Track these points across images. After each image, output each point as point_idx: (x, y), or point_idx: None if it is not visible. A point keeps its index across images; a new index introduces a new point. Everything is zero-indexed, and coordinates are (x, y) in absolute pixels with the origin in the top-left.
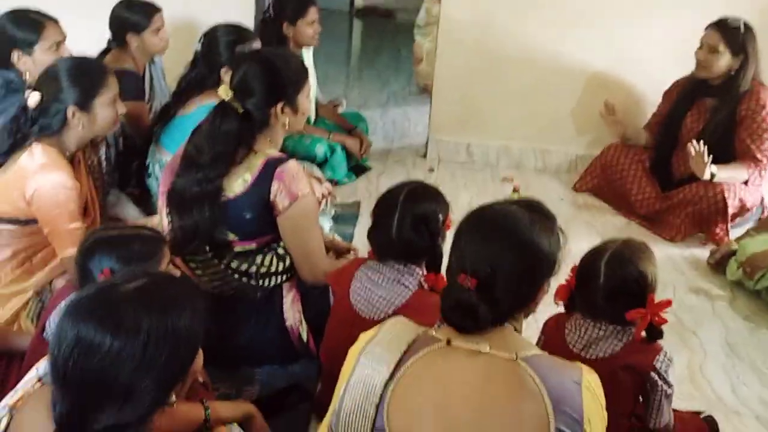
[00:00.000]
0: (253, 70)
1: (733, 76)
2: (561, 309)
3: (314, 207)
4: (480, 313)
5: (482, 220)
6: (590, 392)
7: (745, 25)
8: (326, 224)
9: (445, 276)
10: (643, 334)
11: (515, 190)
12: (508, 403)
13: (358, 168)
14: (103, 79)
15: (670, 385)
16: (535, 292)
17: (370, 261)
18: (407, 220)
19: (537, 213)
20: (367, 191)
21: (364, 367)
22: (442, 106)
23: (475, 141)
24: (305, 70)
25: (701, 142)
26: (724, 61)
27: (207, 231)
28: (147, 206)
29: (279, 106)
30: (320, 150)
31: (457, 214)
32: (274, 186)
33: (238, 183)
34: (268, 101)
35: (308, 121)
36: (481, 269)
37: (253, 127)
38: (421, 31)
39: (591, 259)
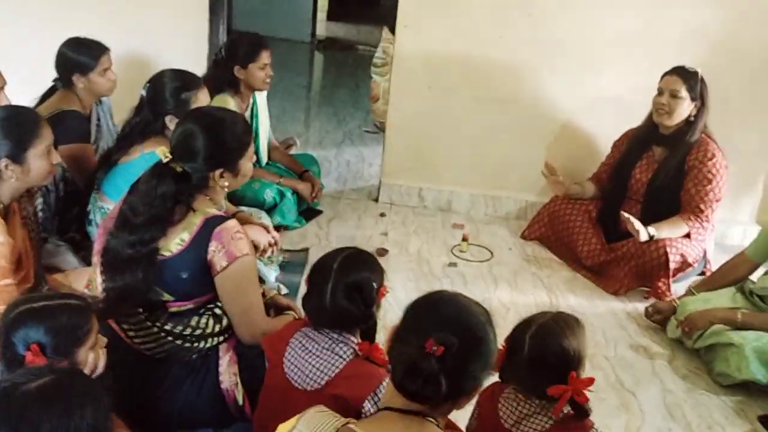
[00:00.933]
0: (195, 134)
1: (690, 122)
2: None
3: (253, 267)
4: (442, 383)
5: (442, 300)
6: None
7: (701, 74)
8: (272, 274)
9: (389, 341)
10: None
11: (464, 239)
12: None
13: (308, 212)
14: (36, 129)
15: None
16: (477, 384)
17: (305, 327)
18: (341, 288)
19: (483, 308)
20: (317, 237)
21: None
22: (394, 150)
23: (426, 186)
24: (249, 133)
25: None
26: (685, 106)
27: (140, 293)
28: (88, 253)
29: (219, 171)
30: (269, 195)
31: (405, 262)
32: (212, 246)
33: (175, 242)
34: (208, 166)
35: (259, 163)
36: (448, 339)
37: (192, 187)
38: (378, 71)
39: (519, 330)
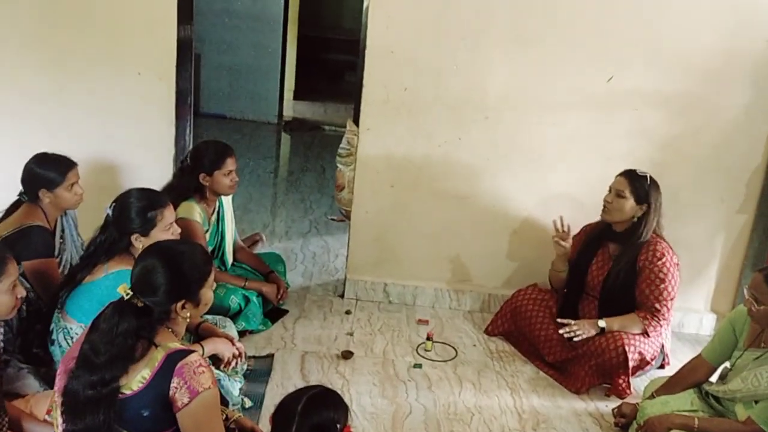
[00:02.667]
0: (155, 269)
1: (636, 223)
2: None
3: (216, 401)
4: None
5: None
6: None
7: (651, 178)
8: (236, 386)
9: None
10: None
11: (429, 338)
12: None
13: (274, 312)
14: (1, 267)
15: None
16: None
17: None
18: (305, 431)
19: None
20: (282, 340)
21: None
22: (359, 245)
23: (391, 281)
24: (208, 262)
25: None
26: (629, 206)
27: None
28: (50, 372)
29: (180, 303)
30: (234, 301)
31: (370, 364)
32: (174, 382)
33: (136, 380)
34: (169, 300)
35: (225, 266)
36: None
37: (153, 321)
38: (343, 160)
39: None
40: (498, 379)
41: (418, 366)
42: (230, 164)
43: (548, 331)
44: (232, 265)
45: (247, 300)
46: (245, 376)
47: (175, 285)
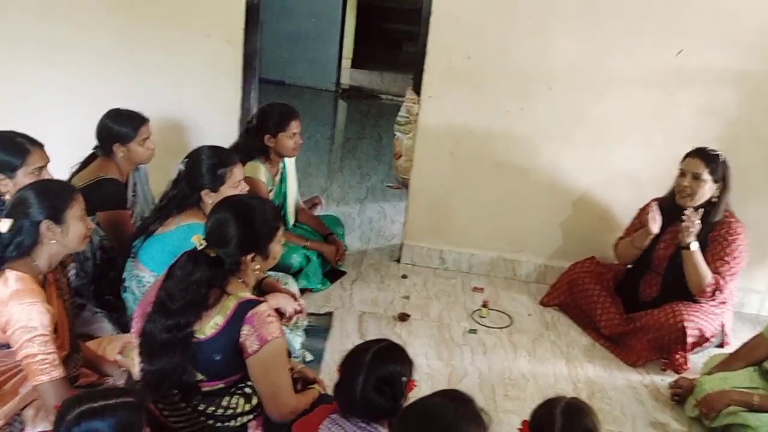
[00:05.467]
0: (227, 222)
1: (713, 203)
2: None
3: (283, 350)
4: None
5: (413, 416)
6: None
7: (723, 155)
8: (298, 340)
9: None
10: None
11: (485, 305)
12: None
13: (333, 273)
14: (71, 193)
15: None
16: None
17: (334, 415)
18: (371, 382)
19: (458, 401)
20: (340, 300)
21: None
22: (416, 213)
23: (447, 248)
24: (277, 218)
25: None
26: (707, 188)
27: (176, 376)
28: (122, 318)
29: (250, 256)
30: (296, 260)
31: (426, 327)
32: (245, 329)
33: (209, 326)
34: (240, 251)
35: (287, 226)
36: None
37: (225, 272)
38: (402, 128)
39: (544, 408)
40: (553, 348)
41: (473, 331)
42: (294, 127)
43: (605, 304)
44: (294, 225)
45: (308, 259)
46: (306, 331)
47: (245, 237)
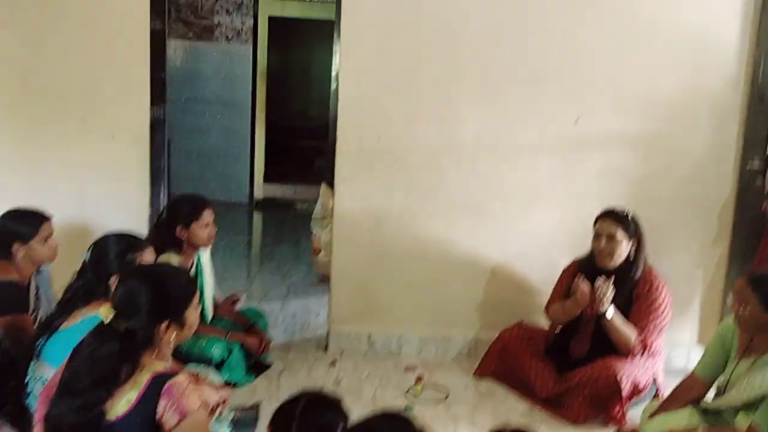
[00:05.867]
0: (138, 289)
1: (630, 261)
2: None
3: (205, 422)
4: None
5: None
6: None
7: (632, 213)
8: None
9: None
10: None
11: (419, 380)
12: None
13: (257, 366)
14: None
15: None
16: None
17: None
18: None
19: (398, 420)
20: (267, 392)
21: None
22: (341, 297)
23: (375, 330)
24: (193, 284)
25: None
26: (623, 247)
27: None
28: (25, 427)
29: (164, 325)
30: (217, 352)
31: (361, 409)
32: (162, 403)
33: (122, 404)
34: (153, 321)
35: (205, 320)
36: None
37: (137, 345)
38: (318, 224)
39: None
40: (493, 416)
41: (409, 408)
42: (207, 216)
43: (538, 367)
44: (212, 319)
45: (229, 351)
46: (233, 423)
47: (158, 305)
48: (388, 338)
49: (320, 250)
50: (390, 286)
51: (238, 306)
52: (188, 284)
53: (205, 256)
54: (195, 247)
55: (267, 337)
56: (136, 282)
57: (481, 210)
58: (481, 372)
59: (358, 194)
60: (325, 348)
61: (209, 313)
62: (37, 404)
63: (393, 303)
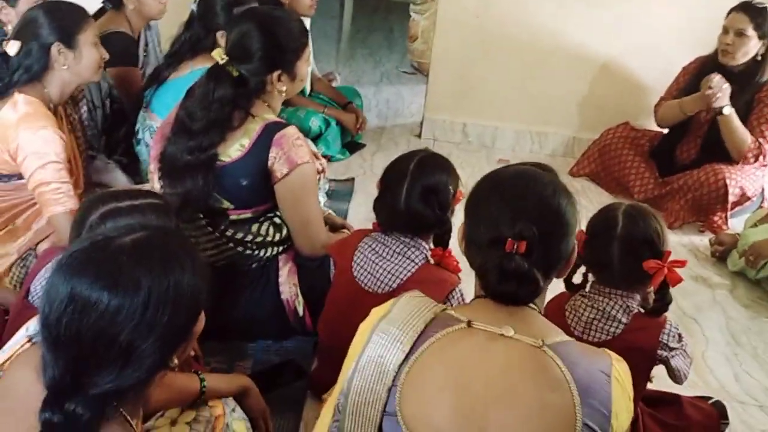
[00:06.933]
0: (250, 34)
1: (759, 61)
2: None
3: (313, 175)
4: (537, 280)
5: (506, 180)
6: (620, 384)
7: None
8: (321, 200)
9: (466, 248)
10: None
11: None
12: (531, 392)
13: (351, 144)
14: (84, 16)
15: (683, 350)
16: (570, 252)
17: (374, 233)
18: (416, 191)
19: (548, 171)
20: (361, 168)
21: (377, 347)
22: (438, 85)
23: (470, 121)
24: (305, 34)
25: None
26: (752, 45)
27: (200, 199)
28: (135, 175)
29: (276, 74)
30: (315, 123)
31: None
32: (273, 152)
33: (234, 148)
34: (265, 68)
35: (303, 93)
36: (527, 231)
37: (249, 92)
38: (417, 9)
39: (606, 211)
40: (584, 212)
41: None
42: None
43: (639, 169)
44: (310, 94)
45: (327, 124)
46: (327, 195)
47: (270, 51)
48: (483, 129)
49: (417, 37)
50: (491, 75)
51: (335, 84)
52: (301, 34)
53: (306, 24)
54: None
55: (363, 115)
56: (249, 26)
57: (599, 0)
58: (577, 171)
59: None
60: (419, 135)
61: (307, 88)
62: (153, 142)
63: (492, 94)
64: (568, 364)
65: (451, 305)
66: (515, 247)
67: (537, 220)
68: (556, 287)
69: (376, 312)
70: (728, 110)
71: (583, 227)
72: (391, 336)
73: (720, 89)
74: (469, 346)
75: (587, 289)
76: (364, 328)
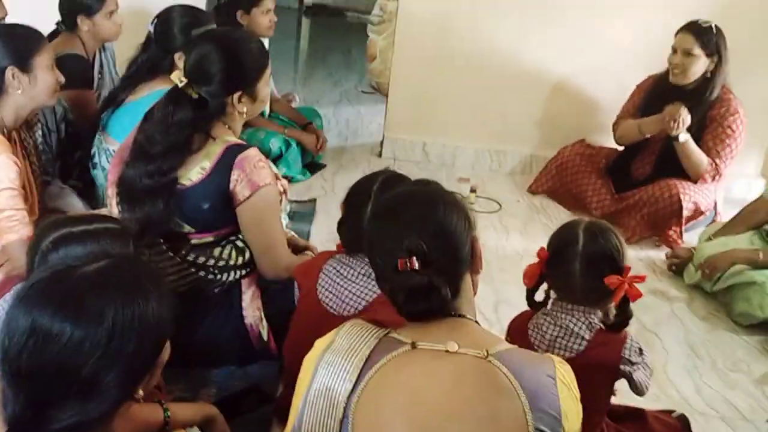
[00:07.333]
0: (210, 56)
1: (708, 79)
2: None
3: (276, 197)
4: (439, 288)
5: (385, 209)
6: (565, 385)
7: (716, 27)
8: (283, 221)
9: (378, 284)
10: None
11: (473, 190)
12: (482, 404)
13: (312, 165)
14: (39, 39)
15: (644, 363)
16: (471, 245)
17: (339, 255)
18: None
19: (424, 184)
20: (322, 189)
21: (324, 379)
22: (397, 104)
23: (430, 140)
24: (266, 55)
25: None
26: (700, 64)
27: (161, 224)
28: (91, 200)
29: (236, 95)
30: (275, 145)
31: None
32: (234, 175)
33: (195, 171)
34: (225, 90)
35: (263, 114)
36: (413, 245)
37: (209, 114)
38: (375, 29)
39: (566, 228)
40: (545, 229)
41: None
42: (269, 2)
43: (596, 185)
44: (269, 115)
45: (287, 145)
46: (289, 216)
47: (230, 73)
48: (443, 148)
49: (375, 57)
50: (449, 95)
51: (294, 105)
52: (261, 55)
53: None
54: (255, 36)
55: (323, 135)
56: (209, 48)
57: (555, 16)
58: (536, 188)
59: None
60: (380, 154)
61: (266, 110)
62: (111, 166)
63: (451, 113)
64: (514, 371)
65: None
66: (407, 264)
67: (421, 231)
68: (520, 305)
69: (319, 343)
70: (684, 137)
71: (544, 244)
72: (336, 366)
73: (682, 121)
74: (416, 367)
75: (549, 307)
76: (309, 360)
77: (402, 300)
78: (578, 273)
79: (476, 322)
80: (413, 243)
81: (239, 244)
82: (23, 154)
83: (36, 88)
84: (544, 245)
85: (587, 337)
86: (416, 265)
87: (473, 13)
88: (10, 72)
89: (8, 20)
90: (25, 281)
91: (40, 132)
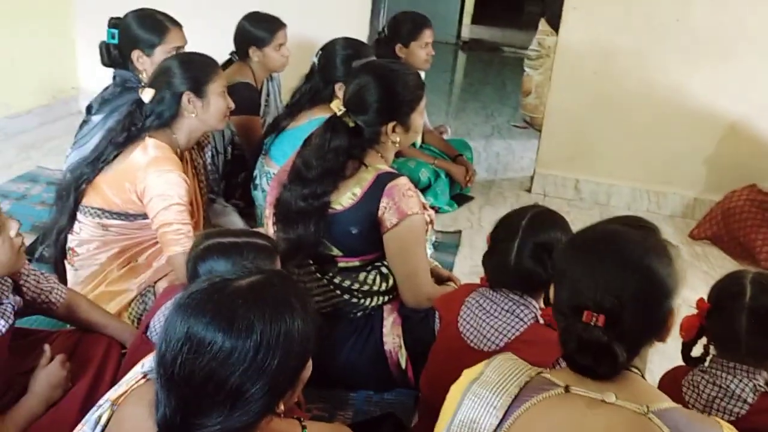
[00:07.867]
0: (368, 86)
1: None
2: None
3: (422, 227)
4: (617, 353)
5: (590, 244)
6: None
7: None
8: (428, 251)
9: (552, 311)
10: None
11: None
12: None
13: (460, 197)
14: (214, 67)
15: None
16: (665, 317)
17: (482, 288)
18: (528, 247)
19: (643, 228)
20: (468, 221)
21: (469, 410)
22: (551, 140)
23: (584, 177)
24: (422, 87)
25: None
26: None
27: (311, 245)
28: (251, 220)
29: (391, 125)
30: (424, 175)
31: None
32: (383, 202)
33: (346, 197)
34: (380, 120)
35: (414, 145)
36: (607, 301)
37: (364, 142)
38: (532, 64)
39: (732, 278)
40: (705, 278)
41: None
42: (427, 36)
43: (766, 236)
44: (421, 146)
45: (436, 176)
46: (434, 247)
47: (386, 104)
48: (597, 186)
49: (530, 92)
50: (608, 131)
51: (446, 137)
52: (417, 87)
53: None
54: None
55: (472, 168)
56: (368, 79)
57: (728, 52)
58: (698, 233)
59: (588, 25)
60: (529, 189)
61: (418, 141)
62: (269, 188)
63: (607, 150)
64: None
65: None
66: (594, 319)
67: (621, 288)
68: (674, 357)
69: (467, 374)
70: None
71: (704, 295)
72: (484, 399)
73: None
74: (567, 412)
75: (707, 364)
76: (455, 390)
77: (572, 348)
78: (744, 328)
79: (642, 376)
80: (608, 299)
81: (384, 270)
82: (193, 173)
83: (208, 112)
84: (704, 296)
85: (749, 400)
86: (601, 323)
87: (637, 48)
88: (186, 97)
89: (187, 49)
90: (184, 290)
91: (209, 153)
